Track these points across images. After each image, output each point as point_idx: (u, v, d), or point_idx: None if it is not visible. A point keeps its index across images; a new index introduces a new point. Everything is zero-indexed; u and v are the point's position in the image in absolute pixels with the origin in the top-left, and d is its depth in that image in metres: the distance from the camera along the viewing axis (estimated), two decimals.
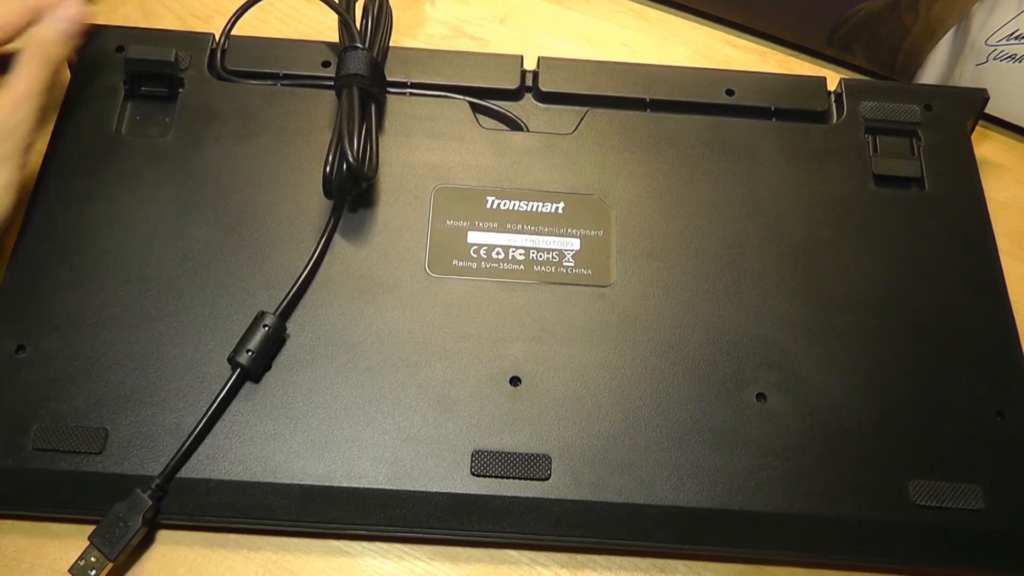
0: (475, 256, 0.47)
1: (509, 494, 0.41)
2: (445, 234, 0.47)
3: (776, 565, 0.43)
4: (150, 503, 0.40)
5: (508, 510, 0.41)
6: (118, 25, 0.52)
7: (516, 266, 0.47)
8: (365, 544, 0.43)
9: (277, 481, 0.41)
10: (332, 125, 0.48)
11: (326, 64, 0.52)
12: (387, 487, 0.41)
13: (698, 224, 0.48)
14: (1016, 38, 0.53)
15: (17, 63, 0.45)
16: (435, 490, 0.41)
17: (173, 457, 0.41)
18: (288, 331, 0.44)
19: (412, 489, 0.41)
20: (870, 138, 0.51)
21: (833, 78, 0.54)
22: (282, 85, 0.51)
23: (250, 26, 0.55)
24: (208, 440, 0.42)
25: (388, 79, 0.50)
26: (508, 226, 0.48)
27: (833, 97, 0.53)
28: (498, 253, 0.47)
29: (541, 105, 0.52)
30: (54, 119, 0.49)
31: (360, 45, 0.48)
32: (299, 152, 0.49)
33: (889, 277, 0.47)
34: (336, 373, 0.43)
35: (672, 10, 0.62)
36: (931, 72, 0.57)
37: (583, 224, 0.48)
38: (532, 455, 0.42)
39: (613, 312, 0.46)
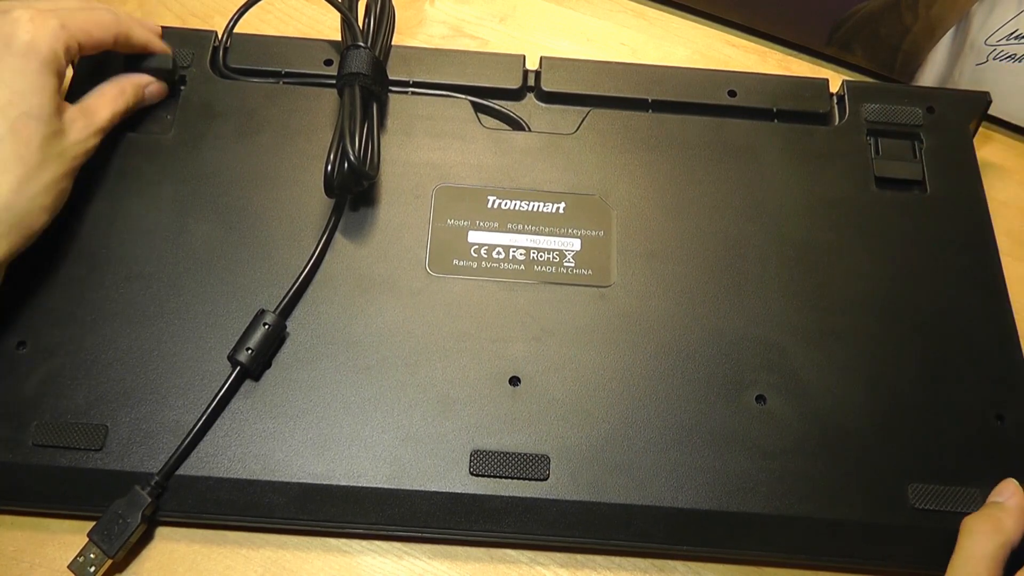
0: (475, 256, 0.47)
1: (508, 494, 0.41)
2: (446, 233, 0.47)
3: (774, 567, 0.43)
4: (149, 500, 0.40)
5: (506, 510, 0.41)
6: None
7: (516, 266, 0.47)
8: (364, 543, 0.43)
9: (276, 479, 0.41)
10: (334, 123, 0.48)
11: (328, 63, 0.52)
12: (386, 486, 0.41)
13: (699, 225, 0.48)
14: (1016, 38, 0.53)
15: (109, 89, 0.47)
16: (434, 489, 0.41)
17: (173, 454, 0.41)
18: (288, 329, 0.44)
19: (411, 488, 0.41)
20: (872, 140, 0.51)
21: (833, 78, 0.54)
22: (284, 83, 0.51)
23: (251, 25, 0.55)
24: (208, 438, 0.42)
25: (390, 78, 0.50)
26: (509, 226, 0.48)
27: (835, 99, 0.53)
28: (499, 253, 0.47)
29: (543, 105, 0.52)
30: None
31: (362, 44, 0.48)
32: (300, 150, 0.49)
33: (890, 279, 0.47)
34: (336, 372, 0.43)
35: (672, 10, 0.62)
36: (931, 72, 0.57)
37: (584, 224, 0.48)
38: (531, 455, 0.42)
39: (613, 313, 0.46)
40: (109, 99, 0.46)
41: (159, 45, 0.49)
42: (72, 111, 0.44)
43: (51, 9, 0.44)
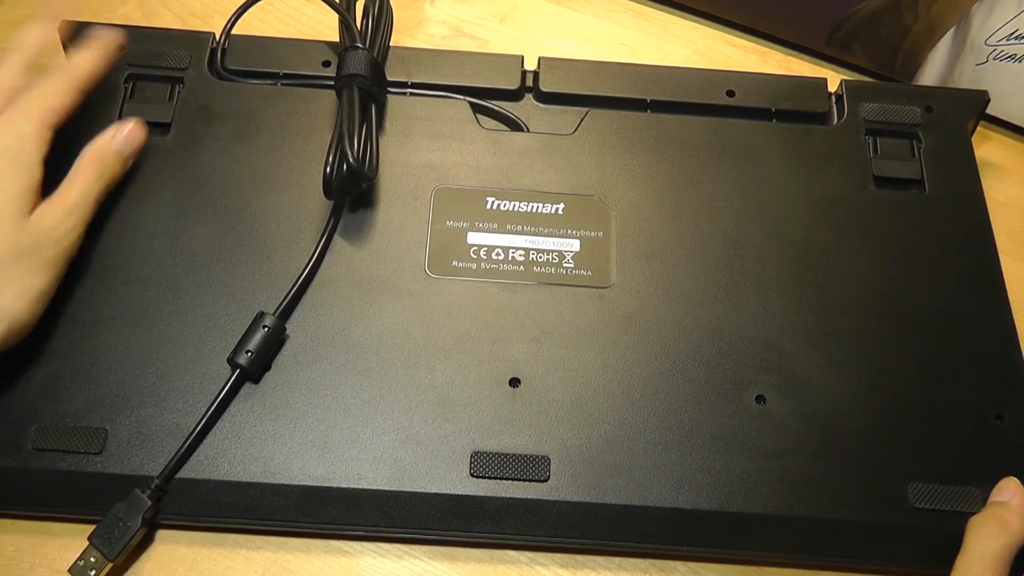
0: (475, 257, 0.47)
1: (508, 495, 0.41)
2: (445, 235, 0.47)
3: (775, 567, 0.43)
4: (149, 503, 0.40)
5: (507, 511, 0.41)
6: (119, 24, 0.52)
7: (516, 267, 0.47)
8: (364, 544, 0.43)
9: (276, 482, 0.41)
10: (332, 125, 0.48)
11: (326, 64, 0.52)
12: (386, 488, 0.41)
13: (698, 225, 0.48)
14: (1016, 38, 0.53)
15: (72, 173, 0.44)
16: (434, 491, 0.41)
17: (172, 457, 0.41)
18: (288, 332, 0.44)
19: (411, 490, 0.41)
20: (870, 140, 0.51)
21: (833, 78, 0.54)
22: (282, 85, 0.51)
23: (250, 26, 0.55)
24: (207, 441, 0.42)
25: (388, 79, 0.50)
26: (508, 227, 0.48)
27: (834, 98, 0.53)
28: (498, 254, 0.47)
29: (541, 105, 0.52)
30: None
31: (361, 45, 0.48)
32: (299, 152, 0.49)
33: (889, 279, 0.47)
34: (336, 374, 0.43)
35: (672, 10, 0.62)
36: (931, 72, 0.57)
37: (583, 225, 0.48)
38: (531, 456, 0.42)
39: (613, 313, 0.46)
40: (80, 178, 0.44)
41: (109, 51, 0.48)
42: (41, 209, 0.42)
43: (18, 109, 0.43)
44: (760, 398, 0.44)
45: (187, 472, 0.41)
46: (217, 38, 0.52)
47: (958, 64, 0.56)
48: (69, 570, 0.40)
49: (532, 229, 0.48)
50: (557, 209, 0.49)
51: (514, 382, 0.44)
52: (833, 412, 0.44)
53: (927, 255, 0.48)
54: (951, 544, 0.42)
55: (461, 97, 0.51)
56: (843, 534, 0.42)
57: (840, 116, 0.53)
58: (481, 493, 0.41)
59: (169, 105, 0.50)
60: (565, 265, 0.47)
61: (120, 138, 0.46)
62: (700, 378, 0.44)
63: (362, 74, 0.48)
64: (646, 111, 0.52)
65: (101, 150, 0.46)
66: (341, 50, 0.49)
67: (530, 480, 0.42)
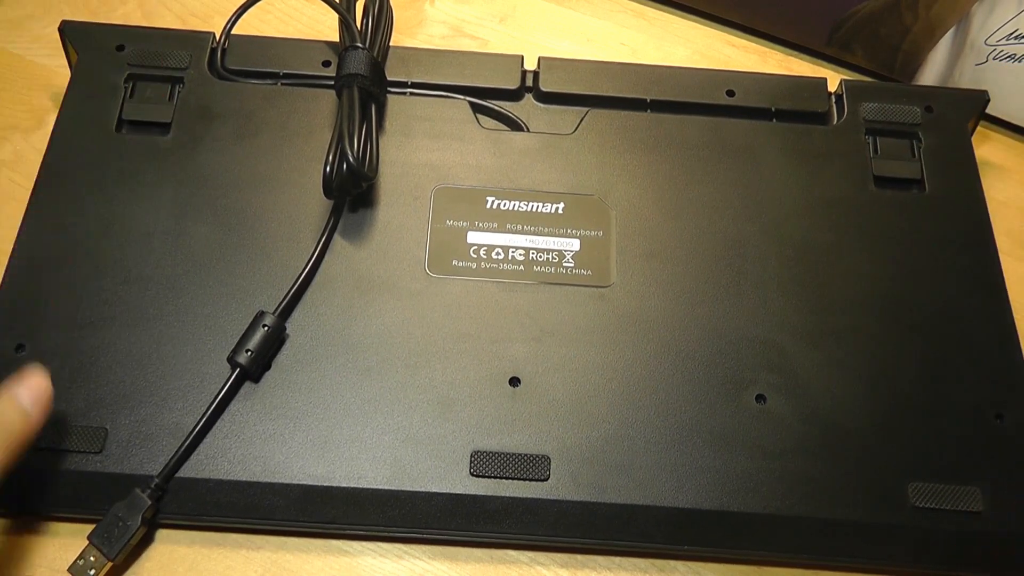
0: (475, 256, 0.47)
1: (508, 495, 0.41)
2: (445, 234, 0.47)
3: (775, 567, 0.43)
4: (149, 503, 0.40)
5: (507, 511, 0.41)
6: (119, 24, 0.52)
7: (516, 266, 0.47)
8: (364, 544, 0.43)
9: (276, 481, 0.41)
10: (332, 125, 0.48)
11: (326, 64, 0.52)
12: (386, 487, 0.41)
13: (698, 225, 0.48)
14: (1016, 38, 0.53)
15: None
16: (434, 490, 0.41)
17: (172, 457, 0.41)
18: (288, 331, 0.44)
19: (411, 489, 0.41)
20: (870, 139, 0.51)
21: (833, 78, 0.54)
22: (282, 84, 0.51)
23: (250, 26, 0.55)
24: (207, 440, 0.42)
25: (388, 79, 0.50)
26: (508, 226, 0.48)
27: (833, 98, 0.53)
28: (498, 253, 0.47)
29: (541, 105, 0.52)
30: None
31: (361, 45, 0.48)
32: (299, 152, 0.49)
33: (889, 279, 0.47)
34: (336, 373, 0.43)
35: (672, 10, 0.62)
36: (931, 72, 0.57)
37: (583, 225, 0.48)
38: (531, 456, 0.42)
39: (613, 313, 0.46)
40: None
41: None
42: None
43: None
44: (760, 397, 0.44)
45: (187, 471, 0.41)
46: (217, 38, 0.52)
47: (958, 64, 0.56)
48: (69, 569, 0.40)
49: (532, 229, 0.48)
50: (557, 209, 0.49)
51: (514, 381, 0.44)
52: (833, 412, 0.44)
53: (927, 255, 0.48)
54: (951, 544, 0.42)
55: (461, 97, 0.51)
56: (843, 534, 0.42)
57: (840, 116, 0.53)
58: (481, 492, 0.41)
59: (169, 105, 0.50)
60: (565, 265, 0.47)
61: (22, 395, 0.38)
62: (700, 377, 0.44)
63: (362, 74, 0.48)
64: (646, 111, 0.52)
65: (1, 416, 0.38)
66: (341, 50, 0.49)
67: (530, 479, 0.42)
